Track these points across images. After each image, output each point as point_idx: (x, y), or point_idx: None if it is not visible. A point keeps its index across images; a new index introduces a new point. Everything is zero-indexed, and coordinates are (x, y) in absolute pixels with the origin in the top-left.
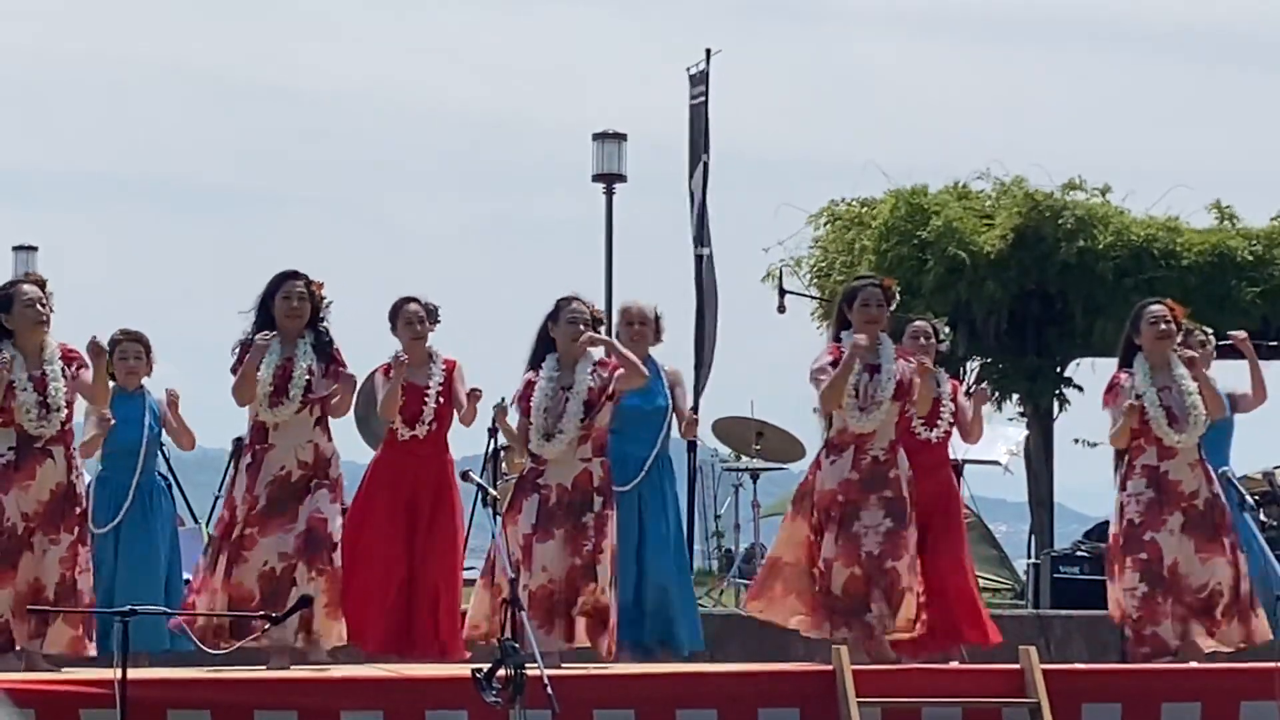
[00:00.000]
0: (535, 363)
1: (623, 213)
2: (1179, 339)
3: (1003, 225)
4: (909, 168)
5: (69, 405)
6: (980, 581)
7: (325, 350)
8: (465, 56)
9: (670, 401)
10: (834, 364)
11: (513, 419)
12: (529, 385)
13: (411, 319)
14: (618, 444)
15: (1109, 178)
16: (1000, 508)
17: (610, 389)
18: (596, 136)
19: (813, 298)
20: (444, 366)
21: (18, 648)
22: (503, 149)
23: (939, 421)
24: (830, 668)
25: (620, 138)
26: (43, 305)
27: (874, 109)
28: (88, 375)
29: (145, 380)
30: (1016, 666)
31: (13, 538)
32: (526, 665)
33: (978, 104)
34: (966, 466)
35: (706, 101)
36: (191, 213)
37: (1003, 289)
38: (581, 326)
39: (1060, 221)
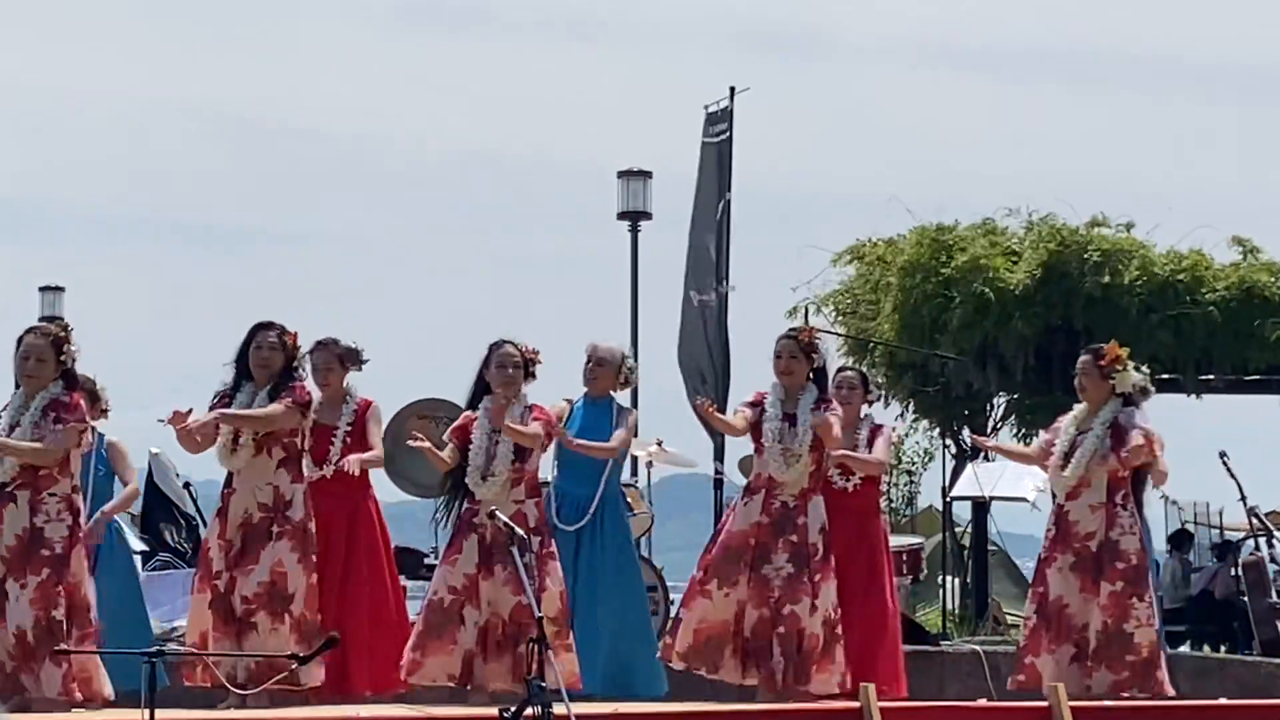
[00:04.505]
0: (472, 405)
1: (648, 250)
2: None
3: (1029, 261)
4: (933, 204)
5: None
6: (1007, 618)
7: (278, 394)
8: (483, 92)
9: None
10: (752, 405)
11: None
12: (469, 421)
13: (317, 365)
14: (560, 483)
15: (1132, 210)
16: (1028, 544)
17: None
18: (621, 174)
19: (837, 334)
20: (356, 407)
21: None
22: (526, 185)
23: (853, 473)
24: (858, 705)
25: (645, 175)
26: (41, 359)
27: (895, 145)
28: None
29: (99, 424)
30: (1045, 704)
31: None
32: (553, 704)
33: (999, 140)
34: (994, 503)
35: (731, 138)
36: (211, 252)
37: (1029, 325)
38: (511, 370)
39: (1086, 256)
